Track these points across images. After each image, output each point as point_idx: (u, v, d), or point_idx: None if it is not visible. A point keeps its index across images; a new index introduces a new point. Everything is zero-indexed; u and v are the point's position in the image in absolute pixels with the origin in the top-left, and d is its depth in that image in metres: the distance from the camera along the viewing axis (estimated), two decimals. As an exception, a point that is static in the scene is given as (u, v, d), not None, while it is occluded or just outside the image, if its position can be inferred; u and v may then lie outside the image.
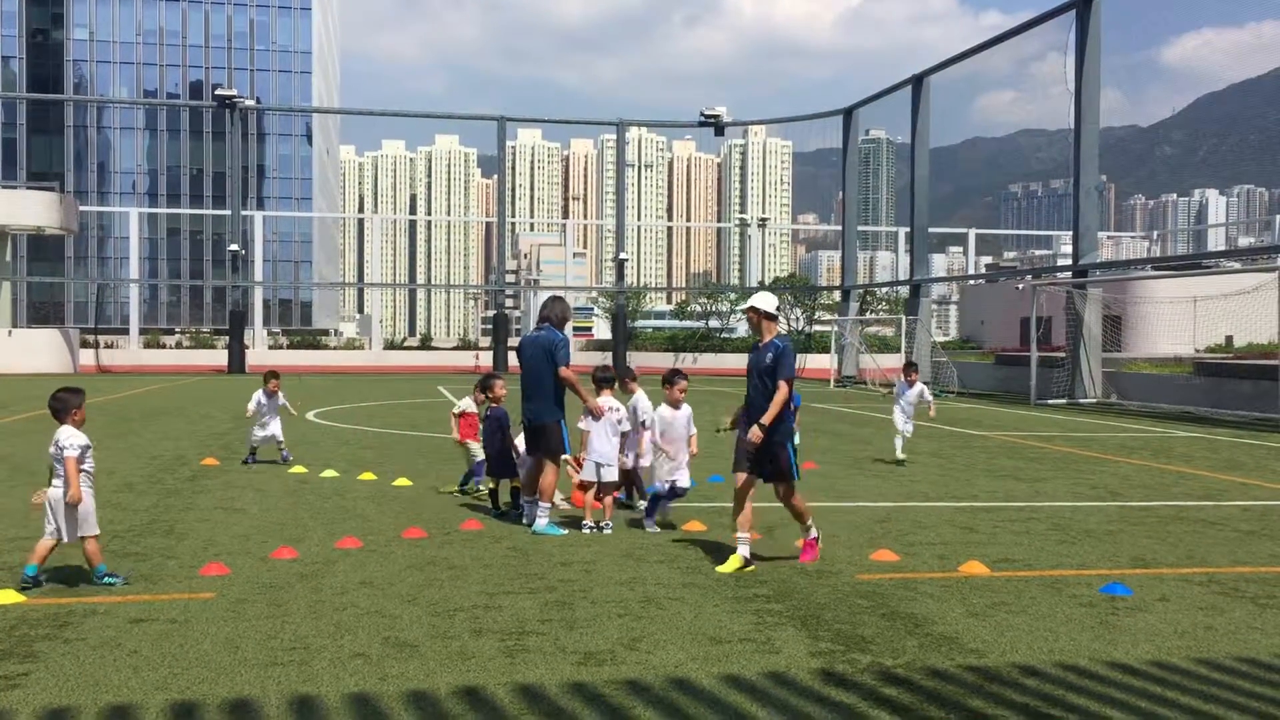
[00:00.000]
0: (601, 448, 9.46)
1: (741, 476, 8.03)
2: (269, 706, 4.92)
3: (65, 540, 7.22)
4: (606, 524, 9.36)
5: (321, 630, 6.18)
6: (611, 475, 9.49)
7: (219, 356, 53.02)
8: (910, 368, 16.06)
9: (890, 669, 5.57)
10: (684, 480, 9.61)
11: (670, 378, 9.77)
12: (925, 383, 16.87)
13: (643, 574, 7.72)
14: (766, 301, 8.12)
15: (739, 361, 55.63)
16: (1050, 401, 30.01)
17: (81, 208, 62.27)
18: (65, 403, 7.30)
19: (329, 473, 13.17)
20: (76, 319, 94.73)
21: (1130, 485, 13.02)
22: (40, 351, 45.92)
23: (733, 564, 7.82)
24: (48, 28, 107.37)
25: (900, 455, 14.98)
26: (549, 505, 9.46)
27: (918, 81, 41.67)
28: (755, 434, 7.84)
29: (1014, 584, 7.54)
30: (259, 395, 14.10)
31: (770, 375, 7.90)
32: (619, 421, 9.69)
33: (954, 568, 8.03)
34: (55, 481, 7.17)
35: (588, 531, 9.21)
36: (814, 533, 8.32)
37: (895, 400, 15.52)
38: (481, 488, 11.21)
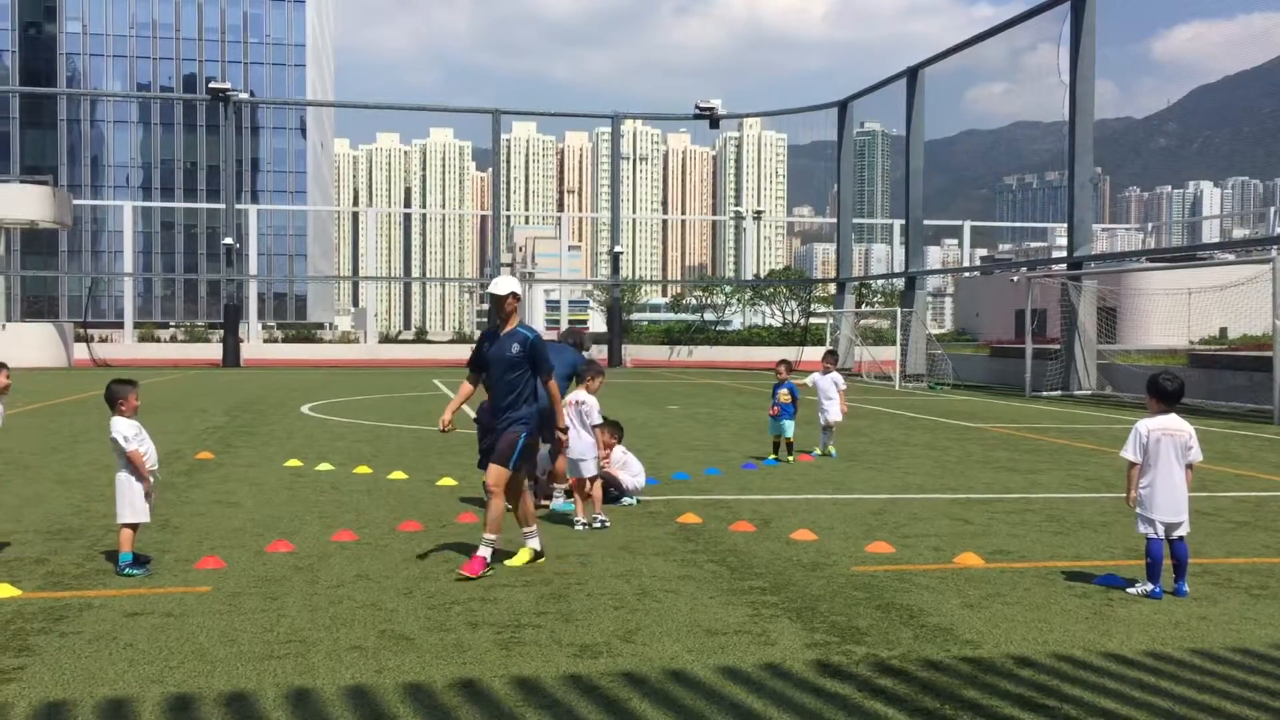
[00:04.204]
0: (574, 444, 9.36)
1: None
2: (265, 699, 4.93)
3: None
4: (597, 518, 9.25)
5: (317, 623, 6.19)
6: (587, 470, 9.26)
7: (214, 350, 52.90)
8: (827, 355, 16.00)
9: (885, 660, 5.59)
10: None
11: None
12: (843, 370, 16.29)
13: (638, 566, 7.73)
14: (521, 287, 7.79)
15: (735, 354, 55.74)
16: (1045, 394, 30.04)
17: (75, 201, 62.04)
18: (115, 393, 7.56)
19: (324, 466, 13.16)
20: (70, 313, 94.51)
21: (1124, 476, 13.03)
22: (34, 346, 45.74)
23: (522, 557, 7.70)
24: (40, 21, 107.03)
25: (821, 449, 15.00)
26: (565, 485, 10.02)
27: (912, 74, 41.64)
28: (564, 441, 8.54)
29: (1009, 575, 7.56)
30: None
31: (515, 366, 7.57)
32: (586, 415, 9.45)
33: (949, 559, 8.05)
34: (118, 469, 7.49)
35: (580, 529, 9.11)
36: (488, 552, 7.38)
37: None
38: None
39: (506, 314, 7.67)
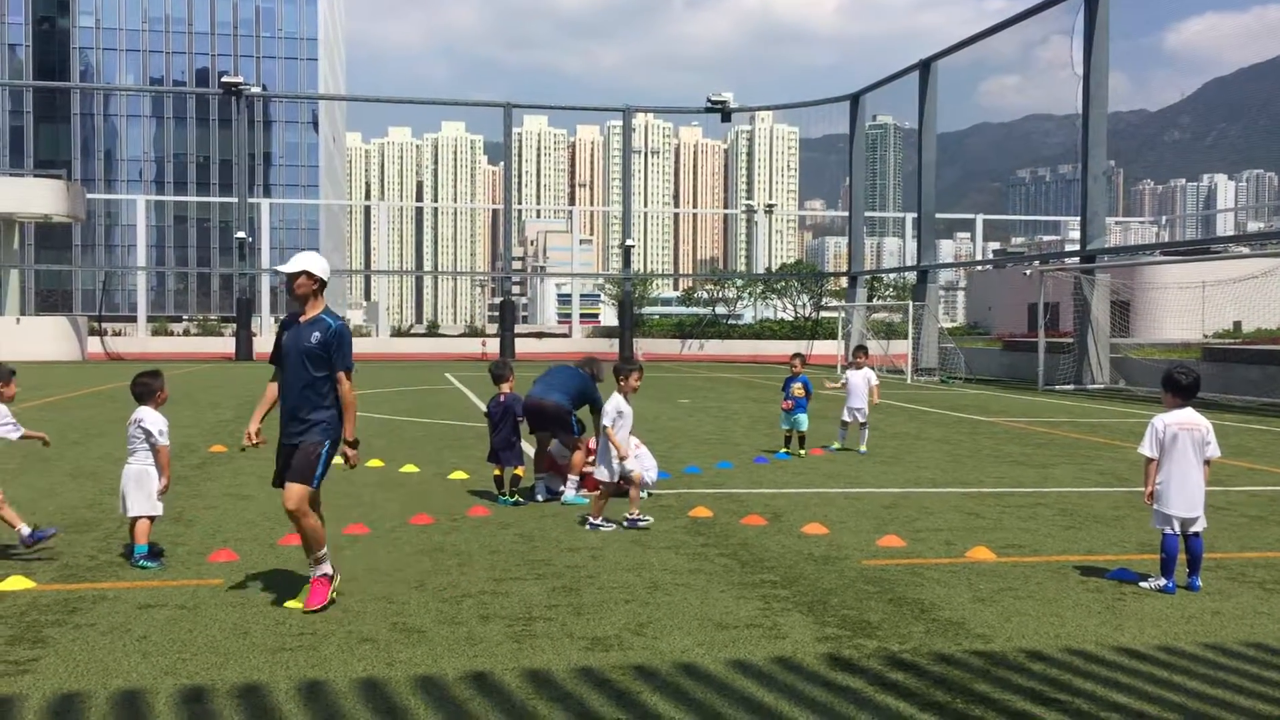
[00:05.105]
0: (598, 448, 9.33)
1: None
2: (278, 691, 4.95)
3: (123, 512, 7.54)
4: (590, 521, 9.03)
5: (329, 616, 6.20)
6: (597, 475, 9.14)
7: (227, 344, 53.10)
8: (858, 350, 15.75)
9: (897, 654, 5.58)
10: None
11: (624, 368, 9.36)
12: (872, 368, 15.80)
13: (649, 560, 7.73)
14: (321, 266, 6.55)
15: (746, 348, 55.66)
16: (1057, 387, 29.96)
17: (89, 195, 62.30)
18: (148, 386, 7.72)
19: (335, 460, 13.17)
20: (84, 307, 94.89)
21: (1137, 471, 12.98)
22: (48, 339, 46.01)
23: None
24: (54, 15, 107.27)
25: (840, 444, 14.83)
26: (577, 478, 10.13)
27: (925, 66, 41.51)
28: (353, 456, 6.65)
29: (1021, 569, 7.54)
30: None
31: (314, 360, 6.37)
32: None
33: (961, 553, 8.03)
34: (131, 459, 7.55)
35: (588, 529, 8.89)
36: (326, 568, 6.43)
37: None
38: None
39: (299, 296, 6.49)
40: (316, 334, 6.38)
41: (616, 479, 9.09)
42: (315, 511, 6.49)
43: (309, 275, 6.45)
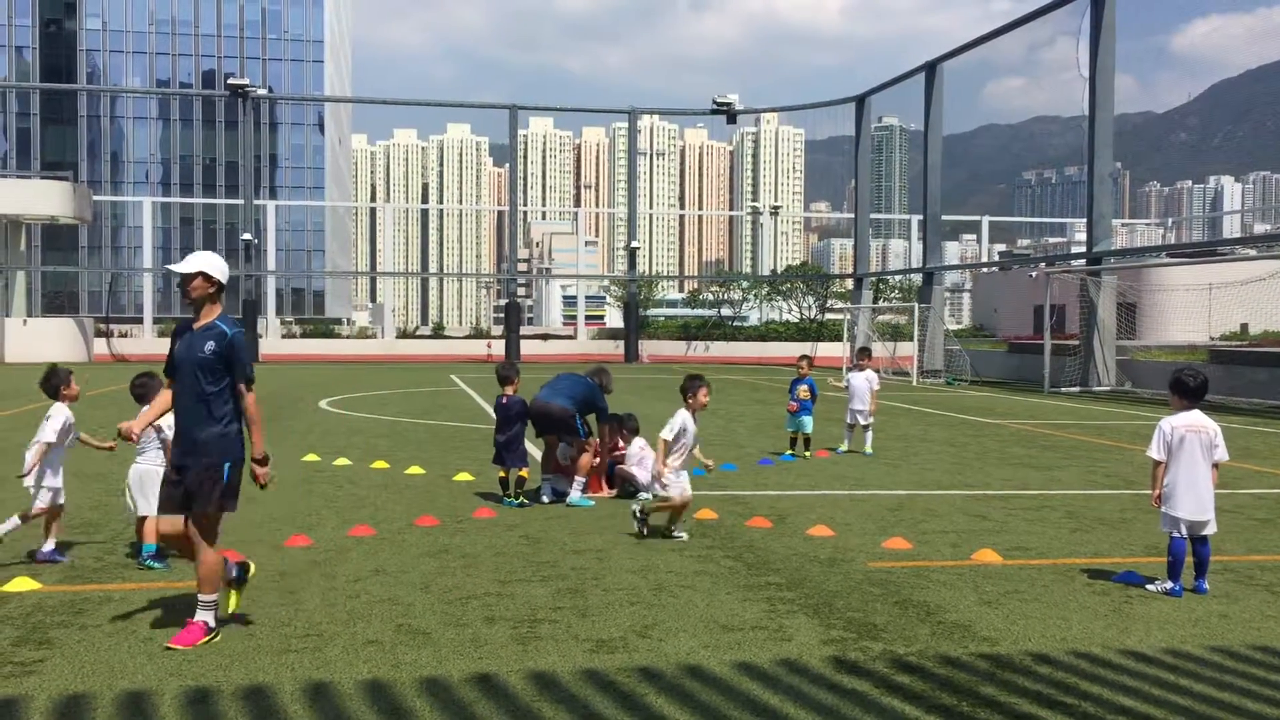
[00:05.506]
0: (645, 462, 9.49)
1: (180, 521, 5.93)
2: (283, 693, 4.95)
3: (131, 511, 7.62)
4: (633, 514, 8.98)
5: (335, 618, 6.21)
6: (638, 474, 9.24)
7: (232, 345, 53.15)
8: (860, 352, 15.72)
9: (903, 657, 5.57)
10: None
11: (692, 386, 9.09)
12: (876, 370, 15.73)
13: (654, 562, 7.72)
14: (219, 267, 5.93)
15: (751, 350, 55.61)
16: (1063, 389, 29.90)
17: (95, 197, 62.46)
18: (147, 386, 7.83)
19: (342, 461, 13.20)
20: (90, 308, 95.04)
21: (1144, 473, 12.95)
22: (54, 340, 46.08)
23: (233, 601, 6.15)
24: (61, 18, 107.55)
25: (848, 446, 14.78)
26: (583, 480, 10.26)
27: (931, 68, 41.45)
28: (262, 474, 5.99)
29: (1027, 572, 7.52)
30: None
31: (208, 371, 5.77)
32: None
33: (967, 556, 8.02)
34: (140, 459, 7.66)
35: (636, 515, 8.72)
36: (209, 617, 5.75)
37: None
38: None
39: (195, 301, 5.87)
40: (211, 343, 5.76)
41: (648, 487, 8.98)
42: (186, 546, 5.95)
43: (205, 277, 5.84)
